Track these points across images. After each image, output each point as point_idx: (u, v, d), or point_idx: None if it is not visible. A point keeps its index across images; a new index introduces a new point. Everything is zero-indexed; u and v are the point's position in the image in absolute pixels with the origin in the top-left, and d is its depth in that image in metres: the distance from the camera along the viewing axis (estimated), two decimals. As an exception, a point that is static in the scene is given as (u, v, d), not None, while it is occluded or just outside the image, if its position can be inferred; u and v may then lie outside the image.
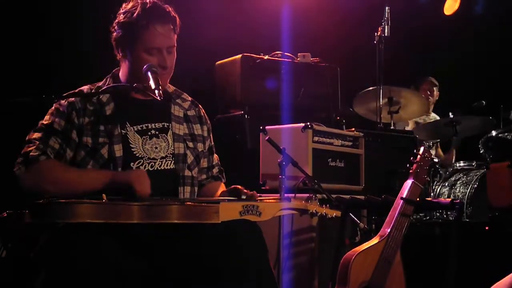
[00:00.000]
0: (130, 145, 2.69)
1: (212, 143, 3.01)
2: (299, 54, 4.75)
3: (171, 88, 2.93)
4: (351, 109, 5.61)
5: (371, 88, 5.31)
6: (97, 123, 2.68)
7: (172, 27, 2.73)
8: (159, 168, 2.71)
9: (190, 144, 2.85)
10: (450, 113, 5.65)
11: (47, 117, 2.70)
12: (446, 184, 5.52)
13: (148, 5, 2.72)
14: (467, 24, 6.97)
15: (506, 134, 5.59)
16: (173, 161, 2.75)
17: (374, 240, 3.13)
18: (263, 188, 4.01)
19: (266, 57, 4.62)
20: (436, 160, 5.80)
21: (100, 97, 2.73)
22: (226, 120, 4.60)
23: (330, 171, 4.04)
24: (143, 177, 2.54)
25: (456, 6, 6.98)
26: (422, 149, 3.26)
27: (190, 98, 2.98)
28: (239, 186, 2.70)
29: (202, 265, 2.48)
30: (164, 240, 2.51)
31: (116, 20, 2.76)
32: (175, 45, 2.76)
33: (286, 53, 4.71)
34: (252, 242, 2.52)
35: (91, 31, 4.04)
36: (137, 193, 2.50)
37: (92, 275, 2.26)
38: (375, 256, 3.08)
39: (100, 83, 2.82)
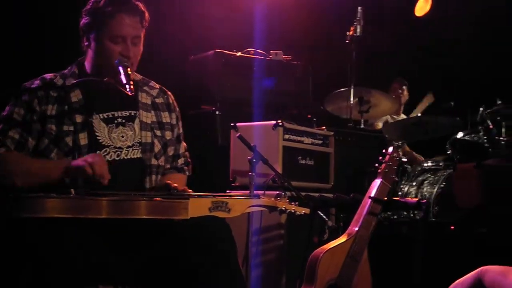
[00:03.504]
0: (96, 133, 2.67)
1: (181, 131, 2.99)
2: (271, 51, 4.76)
3: (138, 76, 2.92)
4: (321, 107, 5.64)
5: (342, 89, 5.35)
6: (62, 111, 2.67)
7: (139, 19, 2.74)
8: (125, 158, 2.70)
9: (158, 133, 2.84)
10: (418, 114, 5.73)
11: (7, 108, 2.69)
12: (414, 183, 5.57)
13: None
14: (438, 26, 7.04)
15: (473, 135, 5.68)
16: (140, 150, 2.74)
17: (342, 238, 3.16)
18: (232, 184, 4.02)
19: (239, 53, 4.62)
20: (404, 159, 5.86)
21: (65, 83, 2.72)
22: (197, 116, 4.59)
23: (299, 169, 4.05)
24: (97, 161, 2.51)
25: (427, 7, 7.06)
26: (391, 149, 3.30)
27: (158, 86, 2.97)
28: (170, 182, 2.69)
29: (170, 261, 2.48)
30: (132, 235, 2.51)
31: (84, 8, 2.77)
32: (141, 38, 2.77)
33: (258, 50, 4.72)
34: (220, 239, 2.53)
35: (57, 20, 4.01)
36: (93, 178, 2.47)
37: (55, 268, 2.25)
38: (342, 254, 3.12)
39: (65, 71, 2.81)
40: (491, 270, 1.71)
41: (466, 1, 6.92)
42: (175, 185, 2.65)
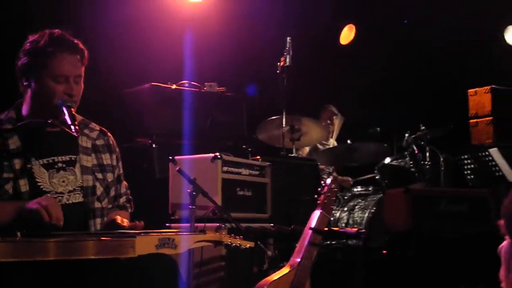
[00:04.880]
0: (36, 179, 2.63)
1: (121, 171, 2.99)
2: (206, 83, 4.81)
3: (78, 117, 2.89)
4: (254, 136, 5.72)
5: (274, 117, 5.45)
6: (0, 158, 2.61)
7: (79, 57, 2.73)
8: (67, 202, 2.66)
9: (99, 175, 2.81)
10: (348, 140, 5.88)
11: None
12: (345, 209, 5.71)
13: (56, 35, 2.72)
14: (363, 53, 7.27)
15: (400, 160, 5.89)
16: (81, 194, 2.71)
17: (285, 270, 3.22)
18: (172, 218, 4.02)
19: (174, 86, 4.64)
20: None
21: (2, 128, 2.68)
22: (133, 149, 4.57)
23: (238, 200, 4.11)
24: (51, 204, 2.48)
25: (351, 36, 7.30)
26: (329, 180, 3.40)
27: (98, 128, 2.95)
28: (118, 217, 2.71)
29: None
30: (79, 275, 2.49)
31: (22, 49, 2.73)
32: (82, 75, 2.76)
33: (193, 82, 4.76)
34: (167, 277, 2.55)
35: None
36: (47, 221, 2.43)
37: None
38: (286, 285, 3.17)
39: (2, 116, 2.76)
40: None
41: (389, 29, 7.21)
42: (125, 222, 2.65)
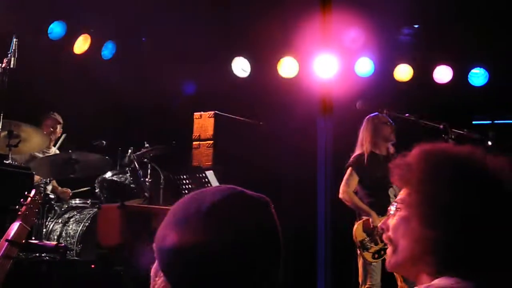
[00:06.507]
0: None
1: None
2: None
3: None
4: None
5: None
6: None
7: None
8: None
9: None
10: (69, 151, 5.74)
11: None
12: (60, 221, 5.59)
13: None
14: (98, 64, 7.19)
15: (120, 176, 5.92)
16: None
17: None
18: None
19: None
20: (52, 196, 5.84)
21: None
22: None
23: None
24: None
25: (85, 47, 7.20)
26: (33, 191, 3.29)
27: None
28: None
29: None
30: None
31: None
32: None
33: None
34: None
35: None
36: None
37: None
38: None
39: None
40: None
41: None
42: None
